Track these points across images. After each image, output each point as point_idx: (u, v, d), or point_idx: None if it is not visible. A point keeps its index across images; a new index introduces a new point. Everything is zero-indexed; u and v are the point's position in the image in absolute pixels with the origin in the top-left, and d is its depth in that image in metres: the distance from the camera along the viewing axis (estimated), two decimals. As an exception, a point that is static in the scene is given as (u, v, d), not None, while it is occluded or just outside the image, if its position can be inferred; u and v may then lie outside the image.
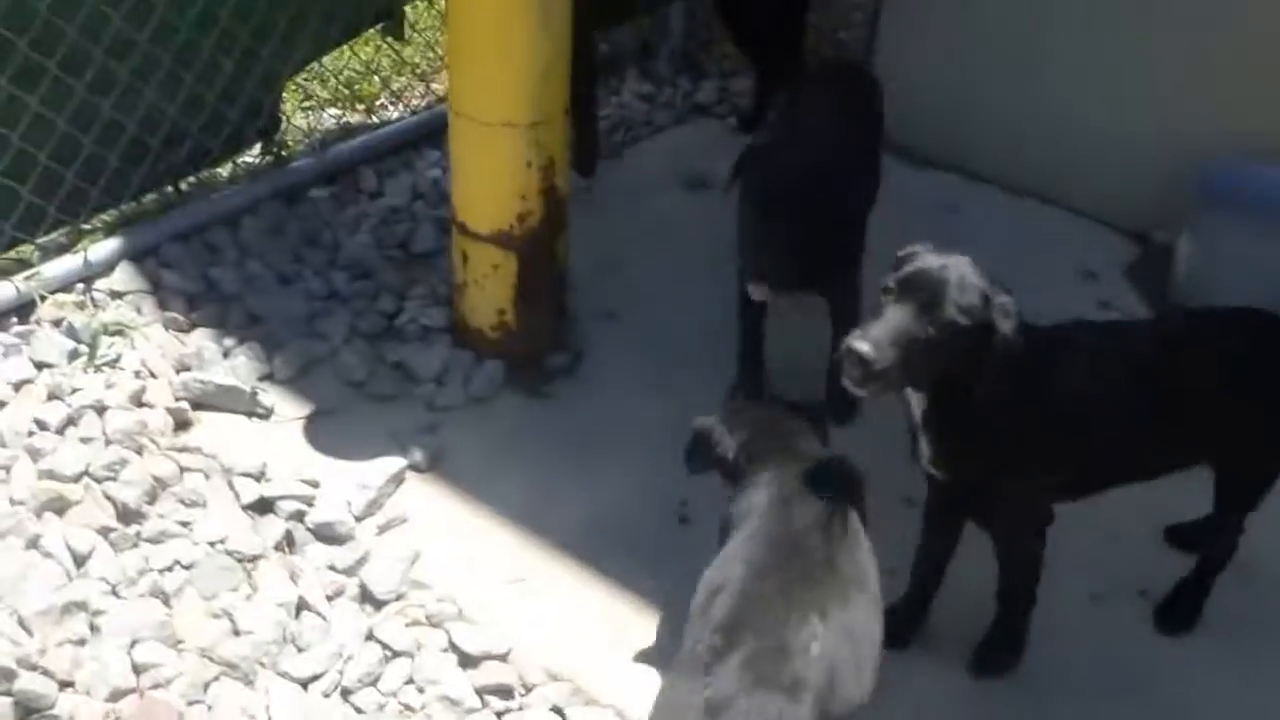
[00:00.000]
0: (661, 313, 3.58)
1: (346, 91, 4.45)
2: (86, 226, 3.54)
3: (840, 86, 3.54)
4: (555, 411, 3.28)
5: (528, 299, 3.29)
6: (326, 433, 3.13)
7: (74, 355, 3.15)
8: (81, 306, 3.31)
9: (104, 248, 3.47)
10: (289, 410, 3.19)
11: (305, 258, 3.70)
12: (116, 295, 3.41)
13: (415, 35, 4.48)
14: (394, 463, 3.01)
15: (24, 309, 3.27)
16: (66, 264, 3.40)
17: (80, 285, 3.40)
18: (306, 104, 4.37)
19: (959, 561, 2.66)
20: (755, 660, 1.98)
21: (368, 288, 3.60)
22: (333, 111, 4.33)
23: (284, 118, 3.94)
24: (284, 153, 3.93)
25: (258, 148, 3.95)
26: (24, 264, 3.38)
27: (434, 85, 4.55)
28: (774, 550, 2.19)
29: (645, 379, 3.37)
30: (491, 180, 3.15)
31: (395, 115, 4.36)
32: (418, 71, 4.56)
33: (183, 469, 2.92)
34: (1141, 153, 3.92)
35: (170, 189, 3.71)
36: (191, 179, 3.75)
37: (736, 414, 2.53)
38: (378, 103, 4.46)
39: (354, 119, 4.28)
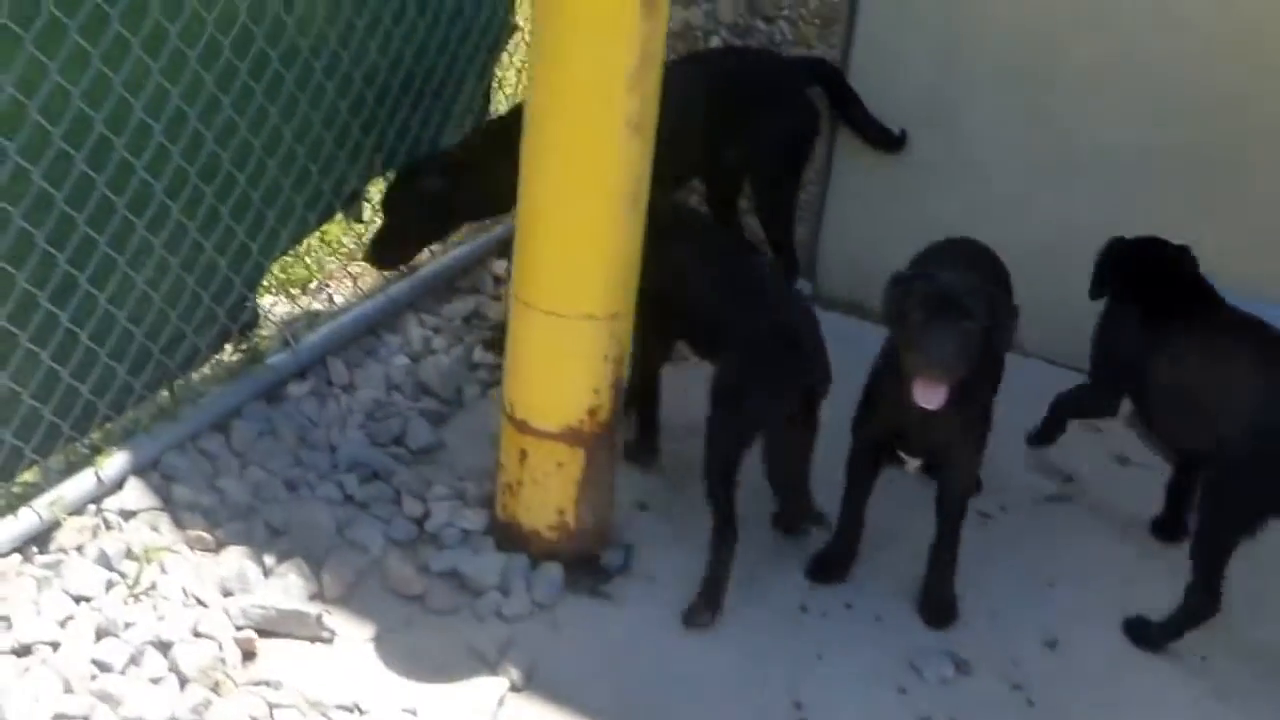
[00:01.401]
0: (691, 498, 3.50)
1: (282, 276, 4.20)
2: (87, 442, 3.18)
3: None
4: (627, 614, 3.09)
5: (589, 496, 3.15)
6: (402, 655, 2.84)
7: (110, 585, 2.77)
8: (98, 531, 2.92)
9: (113, 464, 3.10)
10: (352, 631, 2.88)
11: (306, 461, 3.41)
12: (128, 514, 3.03)
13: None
14: (494, 684, 2.76)
15: (41, 537, 2.86)
16: (81, 485, 3.01)
17: (91, 506, 3.02)
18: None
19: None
20: None
21: (384, 491, 3.34)
22: (282, 299, 4.07)
23: (262, 312, 3.68)
24: (259, 347, 3.66)
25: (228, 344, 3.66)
26: (30, 487, 2.98)
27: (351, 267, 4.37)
28: None
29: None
30: (565, 375, 3.02)
31: (341, 300, 4.14)
32: (343, 251, 4.39)
33: (272, 706, 2.59)
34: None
35: (165, 394, 3.37)
36: (179, 382, 3.43)
37: None
38: (312, 285, 4.24)
39: (303, 304, 4.04)
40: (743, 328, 3.09)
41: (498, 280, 4.37)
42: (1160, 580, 3.18)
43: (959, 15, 4.04)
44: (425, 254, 4.22)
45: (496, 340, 3.94)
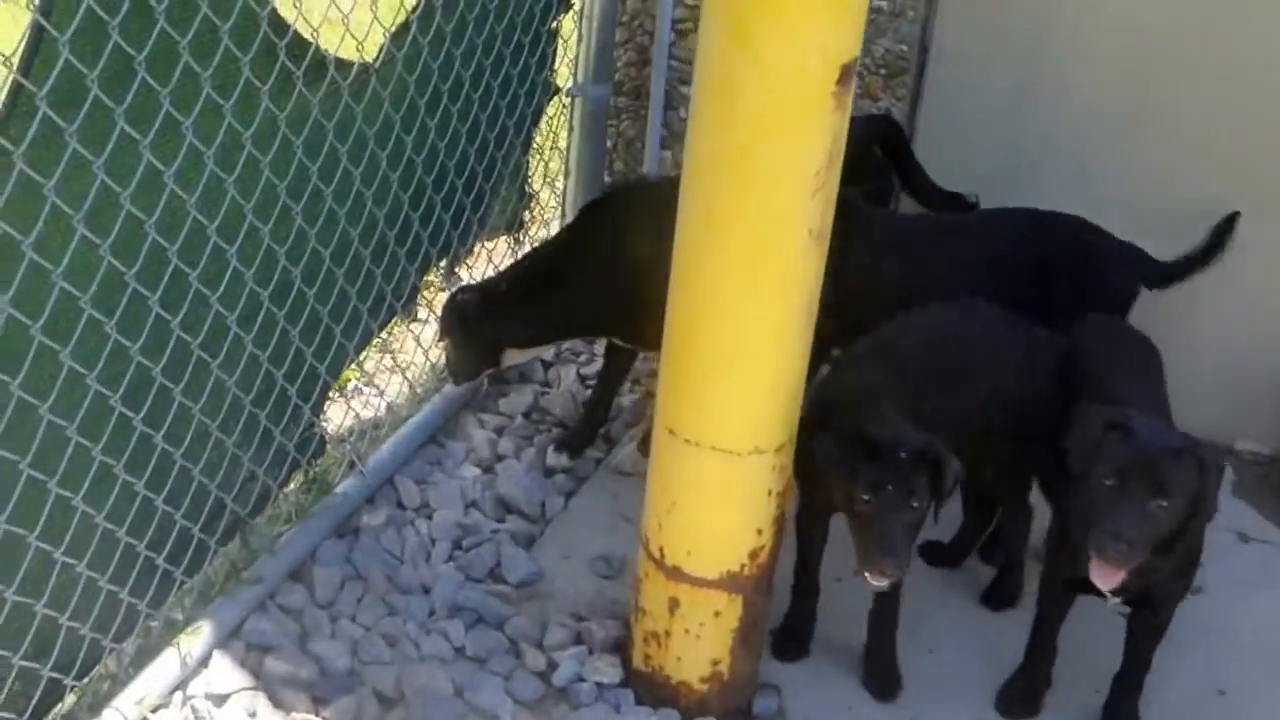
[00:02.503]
0: (822, 626, 3.11)
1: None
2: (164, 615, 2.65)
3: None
4: (797, 770, 2.72)
5: (745, 643, 2.72)
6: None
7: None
8: (192, 729, 2.41)
9: (196, 640, 2.57)
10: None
11: (400, 608, 2.92)
12: (220, 699, 2.55)
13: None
14: None
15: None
16: (165, 671, 2.51)
17: (178, 694, 2.50)
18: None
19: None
20: None
21: (497, 640, 2.86)
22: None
23: (325, 439, 3.15)
24: (326, 474, 3.14)
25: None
26: (110, 680, 2.46)
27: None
28: None
29: (861, 710, 2.86)
30: (728, 517, 2.58)
31: (389, 398, 3.60)
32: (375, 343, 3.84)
33: None
34: (1232, 359, 3.71)
35: (238, 545, 2.84)
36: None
37: None
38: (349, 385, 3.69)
39: (351, 406, 3.49)
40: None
41: (547, 365, 3.90)
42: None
43: (1038, 61, 3.69)
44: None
45: (565, 440, 3.51)
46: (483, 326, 3.31)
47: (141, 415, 2.36)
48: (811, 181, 2.29)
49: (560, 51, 3.77)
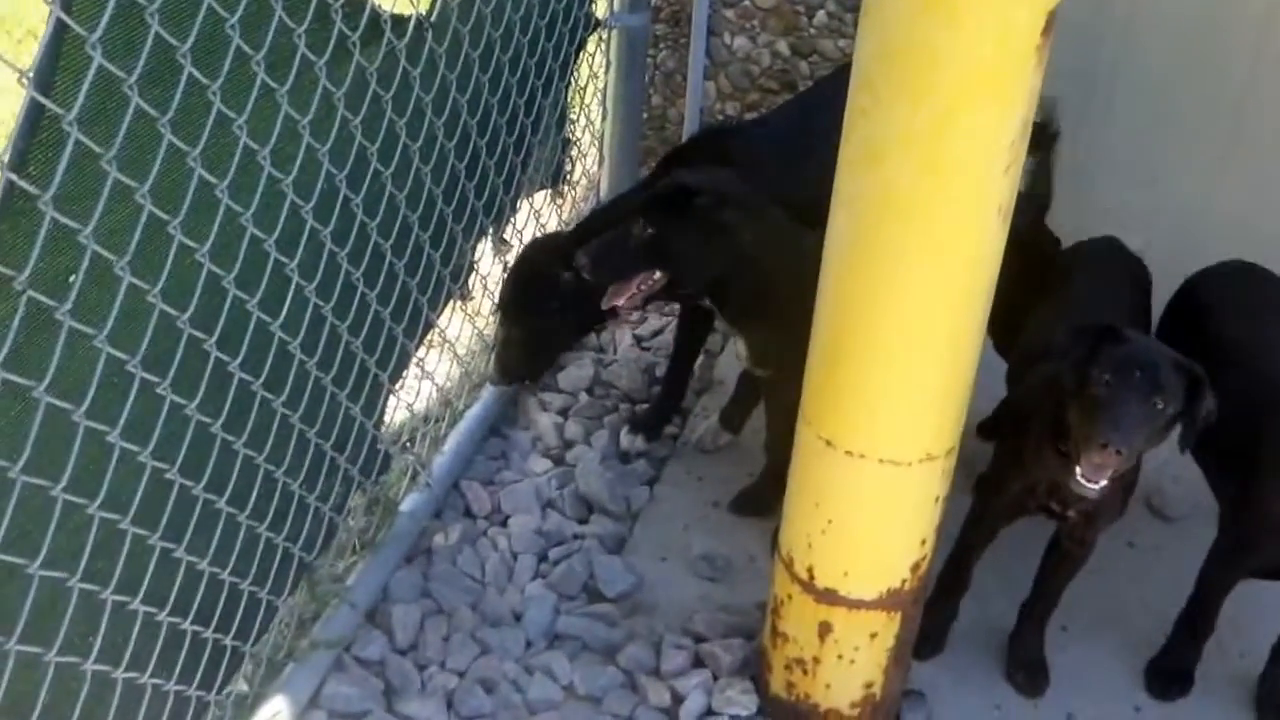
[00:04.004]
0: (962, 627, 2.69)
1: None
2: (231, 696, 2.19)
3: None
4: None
5: (899, 660, 2.34)
6: None
7: None
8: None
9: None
10: None
11: (492, 644, 2.47)
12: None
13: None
14: None
15: None
16: None
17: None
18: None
19: None
20: None
21: (610, 675, 2.44)
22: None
23: (389, 454, 2.65)
24: (389, 492, 2.65)
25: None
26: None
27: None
28: None
29: (1011, 709, 2.48)
30: (893, 532, 2.16)
31: (445, 382, 3.04)
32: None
33: None
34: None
35: (304, 593, 2.36)
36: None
37: None
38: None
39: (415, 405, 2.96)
40: None
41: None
42: None
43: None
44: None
45: (640, 420, 3.05)
46: (582, 302, 2.75)
47: (176, 466, 1.84)
48: (1006, 154, 1.82)
49: (596, -23, 3.21)
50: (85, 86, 1.39)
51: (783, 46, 3.42)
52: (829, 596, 2.23)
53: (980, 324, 2.02)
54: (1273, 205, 3.13)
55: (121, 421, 1.62)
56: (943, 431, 2.09)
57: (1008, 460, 2.39)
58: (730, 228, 2.39)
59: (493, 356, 3.01)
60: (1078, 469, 2.09)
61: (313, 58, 1.86)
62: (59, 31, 1.35)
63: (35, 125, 1.36)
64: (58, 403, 1.49)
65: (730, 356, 3.27)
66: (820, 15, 3.37)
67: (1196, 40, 3.08)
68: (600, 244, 2.48)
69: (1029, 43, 1.73)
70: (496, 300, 3.01)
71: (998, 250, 1.95)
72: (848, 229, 1.94)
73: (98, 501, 1.61)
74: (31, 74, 1.32)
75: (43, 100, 1.35)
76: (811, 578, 2.23)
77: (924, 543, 2.20)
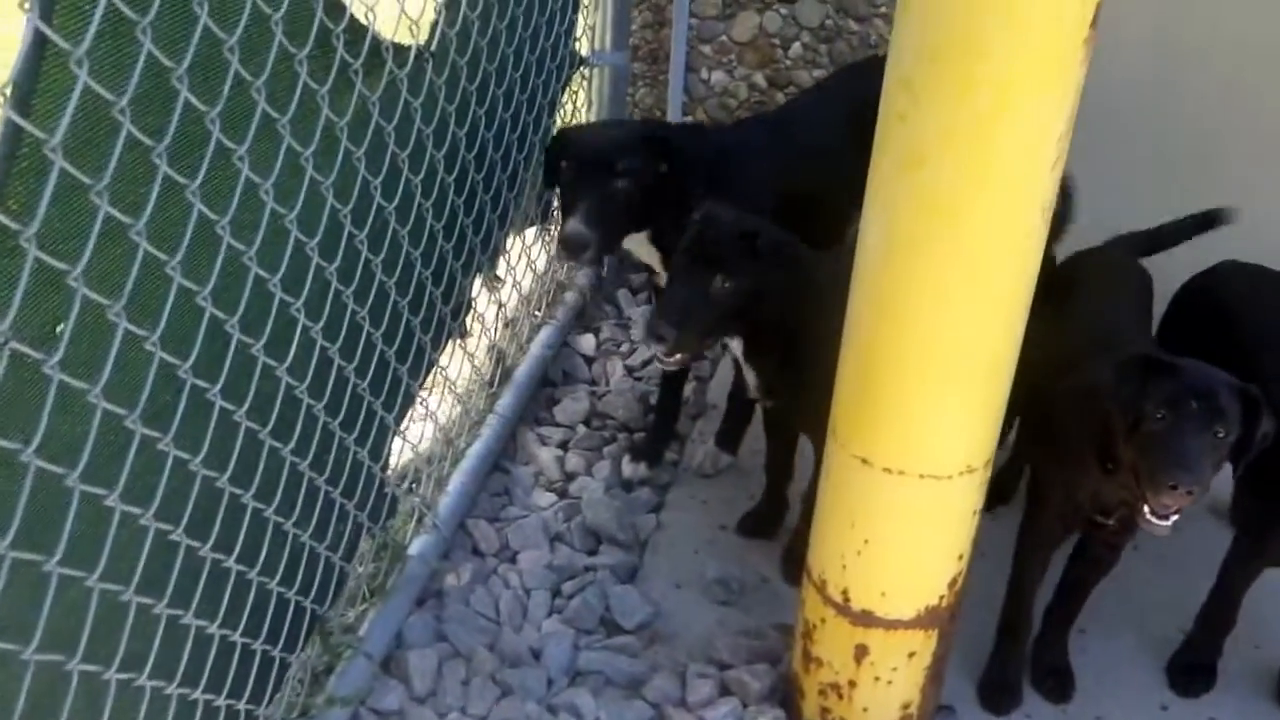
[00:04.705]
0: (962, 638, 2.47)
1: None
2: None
3: None
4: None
5: (936, 678, 2.08)
6: None
7: None
8: None
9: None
10: None
11: (513, 685, 2.17)
12: None
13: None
14: None
15: None
16: None
17: None
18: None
19: None
20: None
21: (637, 710, 2.15)
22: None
23: (396, 497, 2.36)
24: (396, 535, 2.35)
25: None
26: None
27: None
28: None
29: (1042, 716, 2.23)
30: (931, 546, 1.91)
31: (446, 421, 2.73)
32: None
33: None
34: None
35: (316, 647, 2.06)
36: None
37: None
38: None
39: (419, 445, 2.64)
40: None
41: (588, 360, 3.16)
42: None
43: None
44: (513, 349, 2.97)
45: (641, 448, 2.79)
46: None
47: (181, 527, 1.55)
48: (1053, 149, 1.59)
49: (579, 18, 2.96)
50: (70, 108, 1.11)
51: (759, 79, 3.19)
52: (865, 618, 1.98)
53: (1021, 326, 1.79)
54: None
55: (121, 483, 1.33)
56: (983, 443, 1.85)
57: (1046, 482, 2.15)
58: (799, 261, 2.07)
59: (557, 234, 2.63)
60: (1146, 508, 1.83)
61: (314, 85, 1.59)
62: (38, 44, 1.07)
63: (14, 150, 1.08)
64: (49, 466, 1.20)
65: (721, 381, 3.02)
66: (795, 47, 3.16)
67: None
68: (676, 313, 2.04)
69: (1079, 34, 1.51)
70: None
71: (1040, 249, 1.72)
72: (884, 237, 1.70)
73: (97, 573, 1.31)
74: (8, 90, 1.04)
75: (20, 122, 1.07)
76: (847, 600, 1.98)
77: (961, 557, 1.96)
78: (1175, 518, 1.83)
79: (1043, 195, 1.63)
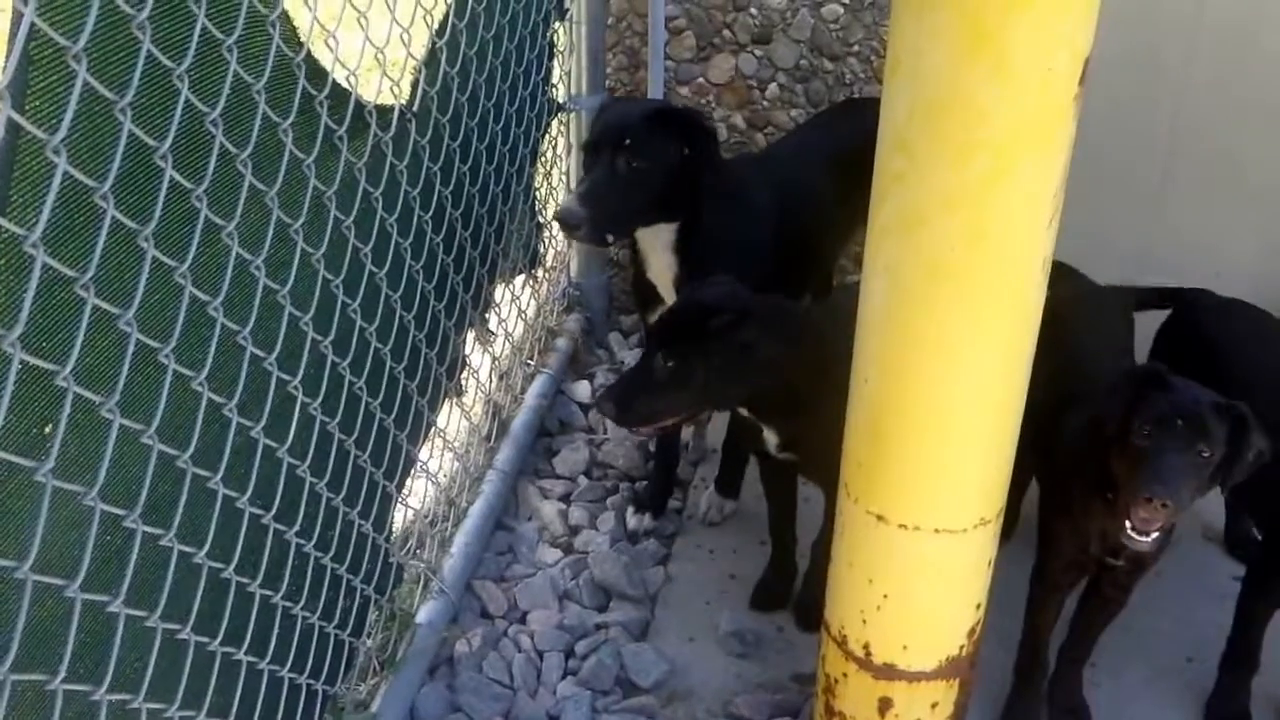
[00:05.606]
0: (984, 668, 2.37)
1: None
2: None
3: None
4: None
5: (962, 725, 2.03)
6: None
7: None
8: None
9: None
10: None
11: (533, 758, 2.10)
12: None
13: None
14: None
15: None
16: None
17: None
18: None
19: None
20: None
21: (659, 772, 2.09)
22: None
23: (402, 566, 2.25)
24: (404, 604, 2.26)
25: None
26: None
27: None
28: None
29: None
30: (950, 599, 1.83)
31: (445, 480, 2.62)
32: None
33: None
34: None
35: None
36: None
37: None
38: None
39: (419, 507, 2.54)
40: None
41: (584, 408, 3.08)
42: None
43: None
44: (508, 401, 2.89)
45: (644, 499, 2.71)
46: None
47: (190, 625, 1.46)
48: (1050, 205, 1.54)
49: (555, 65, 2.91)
50: (50, 198, 1.04)
51: (738, 120, 3.14)
52: (888, 671, 1.89)
53: (1027, 376, 1.73)
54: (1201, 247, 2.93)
55: (125, 587, 1.24)
56: (994, 495, 1.77)
57: (1054, 519, 2.09)
58: (751, 345, 1.97)
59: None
60: (1128, 523, 1.80)
61: (300, 155, 1.52)
62: (11, 134, 1.00)
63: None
64: (45, 579, 1.11)
65: (719, 426, 2.95)
66: (772, 88, 3.11)
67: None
68: (621, 389, 2.00)
69: (1069, 90, 1.46)
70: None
71: (1040, 303, 1.67)
72: (885, 299, 1.63)
73: (104, 686, 1.22)
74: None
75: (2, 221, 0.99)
76: (868, 654, 1.89)
77: (978, 607, 1.88)
78: (1156, 534, 1.78)
79: (1042, 251, 1.58)
